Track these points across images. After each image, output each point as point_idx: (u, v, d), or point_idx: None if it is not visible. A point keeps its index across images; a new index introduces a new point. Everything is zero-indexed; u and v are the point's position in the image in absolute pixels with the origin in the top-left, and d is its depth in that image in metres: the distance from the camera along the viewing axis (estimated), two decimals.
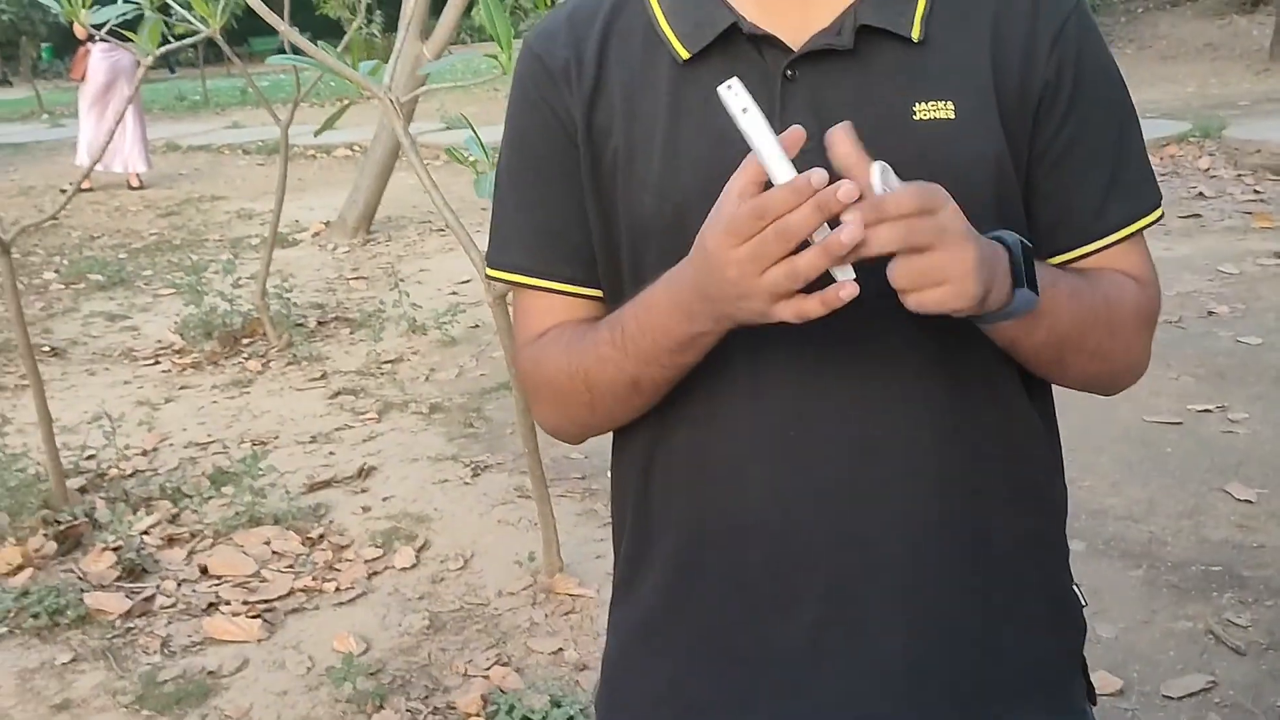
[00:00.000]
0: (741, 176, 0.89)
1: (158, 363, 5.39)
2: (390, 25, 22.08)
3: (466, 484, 3.84)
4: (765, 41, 1.04)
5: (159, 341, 5.69)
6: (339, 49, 4.50)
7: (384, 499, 3.77)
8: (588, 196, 1.10)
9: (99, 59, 9.91)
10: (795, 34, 1.04)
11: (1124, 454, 3.67)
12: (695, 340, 1.00)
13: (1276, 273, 5.34)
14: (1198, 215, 6.48)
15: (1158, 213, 1.12)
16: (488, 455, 4.04)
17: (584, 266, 1.12)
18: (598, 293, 1.12)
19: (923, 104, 1.02)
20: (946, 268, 0.88)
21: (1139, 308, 1.11)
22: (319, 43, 2.74)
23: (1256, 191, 6.89)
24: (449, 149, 2.55)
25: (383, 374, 5.01)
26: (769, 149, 0.87)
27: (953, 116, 1.02)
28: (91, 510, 3.61)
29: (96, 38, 3.61)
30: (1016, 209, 1.07)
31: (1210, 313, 4.88)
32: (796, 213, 0.85)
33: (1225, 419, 3.84)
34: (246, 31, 15.77)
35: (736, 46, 1.05)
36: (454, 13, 6.63)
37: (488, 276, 1.20)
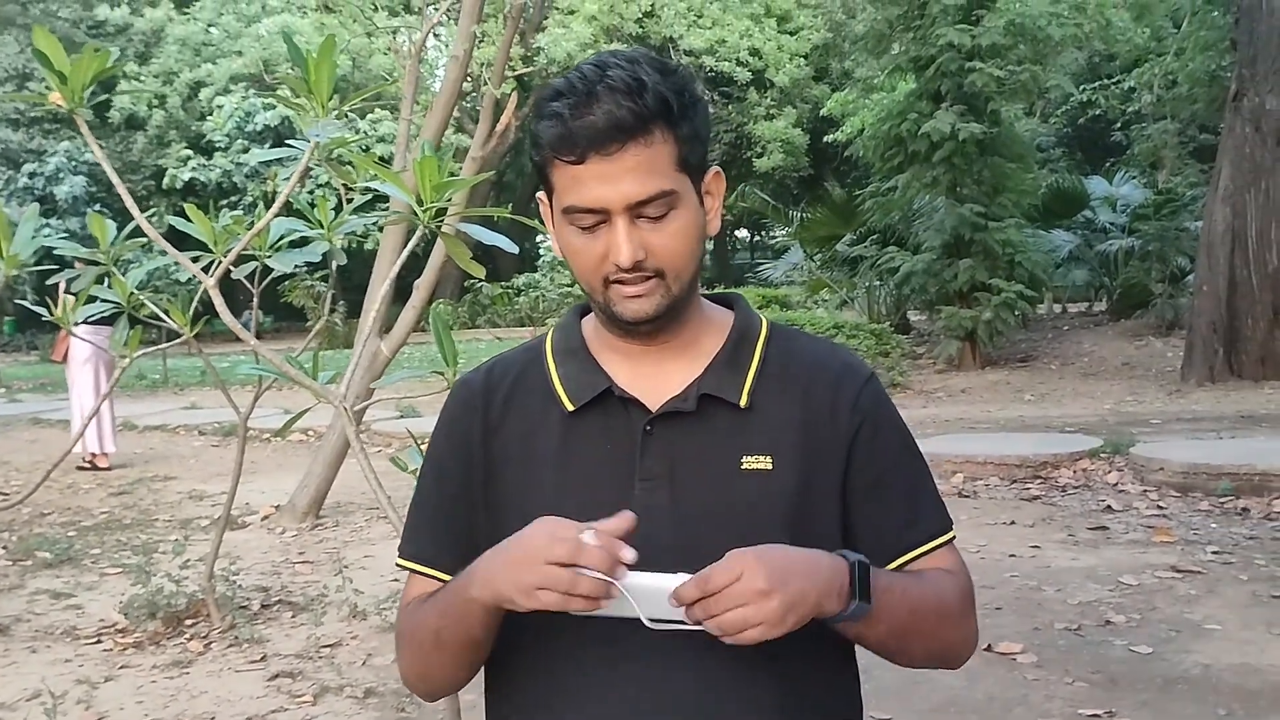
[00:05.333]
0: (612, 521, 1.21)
1: (100, 641, 5.50)
2: (352, 312, 22.91)
3: None
4: (631, 403, 1.40)
5: (102, 620, 5.81)
6: (301, 350, 4.90)
7: None
8: (479, 508, 1.42)
9: (79, 342, 10.14)
10: (654, 398, 1.39)
11: None
12: (467, 605, 1.30)
13: (1172, 585, 5.66)
14: (1105, 528, 6.84)
15: (949, 534, 1.45)
16: None
17: (464, 560, 1.38)
18: None
19: (748, 457, 1.37)
20: (751, 617, 1.18)
21: (960, 594, 1.42)
22: (279, 332, 3.08)
23: (1160, 507, 7.27)
24: (393, 458, 2.87)
25: (321, 658, 5.15)
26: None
27: (770, 468, 1.36)
28: None
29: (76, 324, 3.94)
30: (826, 536, 1.38)
31: (1108, 622, 5.16)
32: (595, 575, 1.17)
33: None
34: (208, 311, 16.12)
35: (610, 405, 1.40)
36: (412, 315, 7.14)
37: (396, 563, 1.52)
